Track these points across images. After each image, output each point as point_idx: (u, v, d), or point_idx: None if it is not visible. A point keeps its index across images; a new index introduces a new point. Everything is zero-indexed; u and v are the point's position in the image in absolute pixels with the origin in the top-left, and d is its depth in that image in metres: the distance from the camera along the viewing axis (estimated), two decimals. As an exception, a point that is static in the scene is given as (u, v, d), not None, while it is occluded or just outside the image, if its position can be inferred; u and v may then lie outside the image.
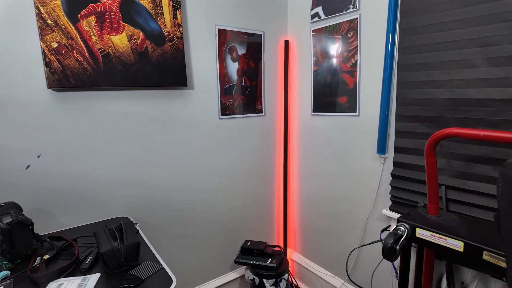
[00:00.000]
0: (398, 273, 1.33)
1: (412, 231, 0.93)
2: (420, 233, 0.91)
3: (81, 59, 1.34)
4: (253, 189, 2.09)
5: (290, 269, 2.28)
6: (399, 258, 1.10)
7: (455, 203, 1.29)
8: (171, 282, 0.97)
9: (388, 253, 0.88)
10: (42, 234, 1.29)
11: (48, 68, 1.27)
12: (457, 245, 0.82)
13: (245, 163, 2.02)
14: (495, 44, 1.14)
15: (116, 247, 1.03)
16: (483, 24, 1.17)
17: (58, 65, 1.29)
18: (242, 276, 2.07)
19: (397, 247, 0.89)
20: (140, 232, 1.35)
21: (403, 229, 0.93)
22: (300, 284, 2.23)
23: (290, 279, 1.96)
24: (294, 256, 2.26)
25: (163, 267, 1.05)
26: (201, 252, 1.90)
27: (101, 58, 1.38)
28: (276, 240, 2.30)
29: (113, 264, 1.02)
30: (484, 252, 0.78)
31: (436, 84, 1.32)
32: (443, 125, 1.32)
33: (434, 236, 0.87)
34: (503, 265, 0.74)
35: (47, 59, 1.26)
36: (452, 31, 1.25)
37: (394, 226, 0.95)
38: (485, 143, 1.19)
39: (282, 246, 2.27)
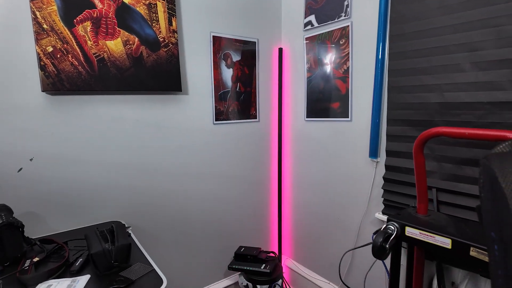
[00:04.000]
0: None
1: (401, 230, 0.93)
2: (410, 231, 0.91)
3: (76, 63, 1.35)
4: (247, 194, 2.09)
5: (284, 275, 2.26)
6: (390, 260, 1.10)
7: (446, 205, 1.30)
8: (161, 283, 0.96)
9: (378, 252, 0.88)
10: (32, 238, 1.28)
11: (43, 72, 1.28)
12: (446, 242, 0.83)
13: (239, 169, 2.03)
14: (481, 49, 1.18)
15: (106, 249, 1.02)
16: (470, 30, 1.20)
17: (53, 68, 1.30)
18: (236, 283, 2.05)
19: (387, 246, 0.90)
20: (132, 235, 1.34)
21: (392, 228, 0.94)
22: (295, 291, 2.21)
23: (284, 286, 1.94)
24: (288, 262, 2.25)
25: (154, 269, 1.04)
26: (194, 258, 1.89)
27: (96, 62, 1.40)
28: (271, 246, 2.29)
29: (103, 265, 1.01)
30: (471, 249, 0.78)
31: (426, 89, 1.34)
32: (433, 129, 1.34)
33: (423, 234, 0.88)
34: (490, 261, 0.75)
35: (42, 63, 1.28)
36: (440, 37, 1.28)
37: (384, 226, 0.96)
38: (474, 145, 1.21)
39: (277, 253, 2.25)
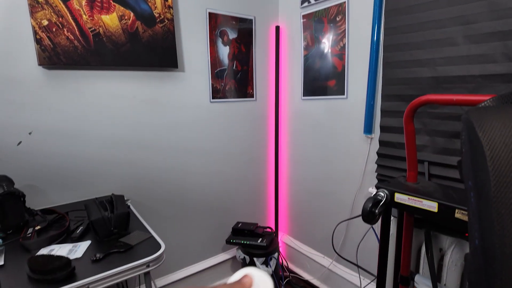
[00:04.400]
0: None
1: (391, 196, 0.97)
2: (398, 197, 0.95)
3: (72, 37, 1.36)
4: (244, 172, 2.13)
5: (281, 250, 2.32)
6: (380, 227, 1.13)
7: (437, 178, 1.33)
8: (159, 247, 1.00)
9: (367, 217, 0.92)
10: (34, 209, 1.32)
11: (38, 45, 1.28)
12: (432, 206, 0.86)
13: (236, 147, 2.05)
14: (474, 22, 1.18)
15: (106, 216, 1.05)
16: (463, 3, 1.20)
17: (49, 42, 1.30)
18: (234, 257, 2.11)
19: (376, 211, 0.93)
20: (132, 207, 1.38)
21: (382, 194, 0.97)
22: (290, 265, 2.27)
23: (280, 260, 2.00)
24: (284, 238, 2.30)
25: (152, 235, 1.08)
26: (193, 233, 1.93)
27: (91, 37, 1.40)
28: (267, 222, 2.34)
29: (103, 232, 1.05)
30: (456, 211, 0.82)
31: (419, 63, 1.35)
32: (426, 103, 1.35)
33: (411, 199, 0.91)
34: (473, 221, 0.78)
35: (38, 36, 1.28)
36: (434, 11, 1.28)
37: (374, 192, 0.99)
38: (465, 118, 1.23)
39: (274, 229, 2.31)
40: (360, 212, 1.69)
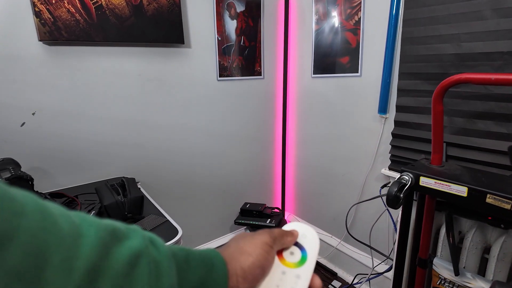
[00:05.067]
0: (396, 226, 1.36)
1: (416, 180, 0.93)
2: (424, 181, 0.91)
3: (73, 10, 1.27)
4: (251, 152, 2.09)
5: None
6: (400, 213, 1.11)
7: (455, 159, 1.30)
8: (176, 232, 0.98)
9: (392, 201, 0.89)
10: (42, 192, 1.28)
11: (38, 19, 1.20)
12: (461, 190, 0.83)
13: (244, 127, 2.00)
14: (505, -6, 1.10)
15: (119, 200, 1.02)
16: (495, -28, 1.12)
17: (49, 15, 1.22)
18: (242, 237, 2.12)
19: (401, 195, 0.90)
20: (142, 190, 1.34)
21: (407, 178, 0.93)
22: (297, 245, 2.29)
23: (288, 239, 2.00)
24: (291, 218, 2.31)
25: (167, 219, 1.06)
26: (201, 214, 1.92)
27: (94, 10, 1.31)
28: (274, 203, 2.33)
29: (117, 216, 1.02)
30: (488, 196, 0.79)
31: (442, 39, 1.28)
32: (447, 81, 1.30)
33: (438, 183, 0.88)
34: (506, 206, 0.76)
35: (37, 9, 1.19)
36: (462, -19, 1.20)
37: (398, 176, 0.96)
38: (490, 98, 1.18)
39: (281, 209, 2.30)
40: (371, 194, 1.68)
